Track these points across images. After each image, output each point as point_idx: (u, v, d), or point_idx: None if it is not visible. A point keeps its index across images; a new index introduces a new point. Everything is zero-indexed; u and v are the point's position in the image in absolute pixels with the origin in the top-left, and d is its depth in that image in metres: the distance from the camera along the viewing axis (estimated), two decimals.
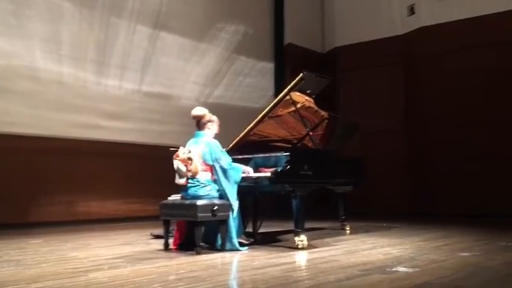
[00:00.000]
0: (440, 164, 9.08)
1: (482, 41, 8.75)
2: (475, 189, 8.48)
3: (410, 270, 3.28)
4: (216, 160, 4.33)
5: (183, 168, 4.26)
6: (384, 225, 6.80)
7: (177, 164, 4.29)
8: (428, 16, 9.50)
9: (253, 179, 4.52)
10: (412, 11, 9.84)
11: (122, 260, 3.73)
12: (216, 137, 4.61)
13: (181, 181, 4.29)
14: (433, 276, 3.08)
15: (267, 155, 4.81)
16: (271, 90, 10.16)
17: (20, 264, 3.59)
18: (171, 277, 3.19)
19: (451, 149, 8.91)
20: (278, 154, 4.66)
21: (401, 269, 3.33)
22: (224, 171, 4.33)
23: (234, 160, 4.72)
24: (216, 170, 4.33)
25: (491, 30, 8.64)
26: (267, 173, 4.48)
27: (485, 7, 8.76)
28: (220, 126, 4.67)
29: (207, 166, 4.35)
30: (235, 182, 4.36)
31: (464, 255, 3.98)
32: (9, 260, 3.78)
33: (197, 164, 4.27)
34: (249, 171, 4.56)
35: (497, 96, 8.56)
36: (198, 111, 4.56)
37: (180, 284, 2.86)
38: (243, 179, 4.42)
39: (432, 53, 9.34)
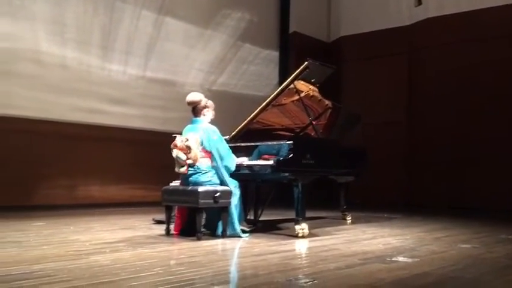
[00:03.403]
0: (441, 156, 9.07)
1: (491, 33, 8.66)
2: (476, 183, 8.48)
3: (409, 260, 3.30)
4: (215, 146, 4.31)
5: (183, 157, 4.23)
6: (385, 215, 6.83)
7: (176, 153, 4.26)
8: (436, 7, 9.41)
9: (253, 166, 4.53)
10: (419, 1, 9.74)
11: (123, 244, 3.75)
12: (219, 124, 4.56)
13: (181, 170, 4.27)
14: (432, 266, 3.10)
15: (270, 143, 4.81)
16: (275, 79, 10.13)
17: (22, 245, 3.61)
18: (172, 262, 3.21)
19: (453, 141, 8.89)
20: (281, 142, 4.66)
21: (401, 259, 3.34)
22: (221, 157, 4.33)
23: (237, 147, 4.73)
24: (214, 157, 4.32)
25: (500, 23, 8.55)
26: (269, 161, 4.48)
27: None
28: (216, 110, 4.60)
29: (207, 153, 4.33)
30: (229, 170, 4.37)
31: (464, 246, 4.00)
32: (12, 241, 3.80)
33: (196, 151, 4.25)
34: (241, 161, 4.56)
35: (504, 89, 8.50)
36: (194, 96, 4.44)
37: (181, 268, 2.88)
38: (238, 167, 4.44)
39: (438, 45, 9.27)
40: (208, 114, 4.51)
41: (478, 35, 8.79)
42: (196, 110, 4.45)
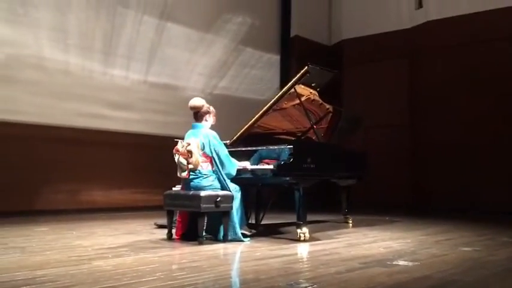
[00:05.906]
0: (443, 159, 9.07)
1: (491, 35, 8.68)
2: (479, 185, 8.47)
3: (410, 263, 3.31)
4: (215, 151, 4.35)
5: (184, 162, 4.27)
6: (387, 218, 6.83)
7: (178, 158, 4.31)
8: (436, 10, 9.43)
9: (254, 170, 4.55)
10: (420, 4, 9.78)
11: (125, 249, 3.78)
12: (220, 128, 4.61)
13: (183, 174, 4.31)
14: (432, 270, 3.11)
15: (271, 147, 4.83)
16: (276, 83, 10.16)
17: (25, 251, 3.64)
18: (174, 266, 3.23)
19: (456, 144, 8.89)
20: (282, 146, 4.68)
21: (401, 262, 3.35)
22: (221, 162, 4.37)
23: (238, 152, 4.75)
24: (215, 161, 4.36)
25: (500, 25, 8.57)
26: (270, 166, 4.50)
27: (494, 1, 8.68)
28: (217, 116, 4.64)
29: (207, 157, 4.36)
30: (230, 175, 4.40)
31: (465, 250, 4.01)
32: (15, 247, 3.83)
33: (197, 156, 4.28)
34: (245, 165, 4.59)
35: (505, 91, 8.50)
36: (196, 102, 4.49)
37: (182, 273, 2.90)
38: (239, 171, 4.46)
39: (438, 48, 9.29)
40: (209, 119, 4.55)
41: (477, 37, 8.80)
42: (198, 115, 4.50)
